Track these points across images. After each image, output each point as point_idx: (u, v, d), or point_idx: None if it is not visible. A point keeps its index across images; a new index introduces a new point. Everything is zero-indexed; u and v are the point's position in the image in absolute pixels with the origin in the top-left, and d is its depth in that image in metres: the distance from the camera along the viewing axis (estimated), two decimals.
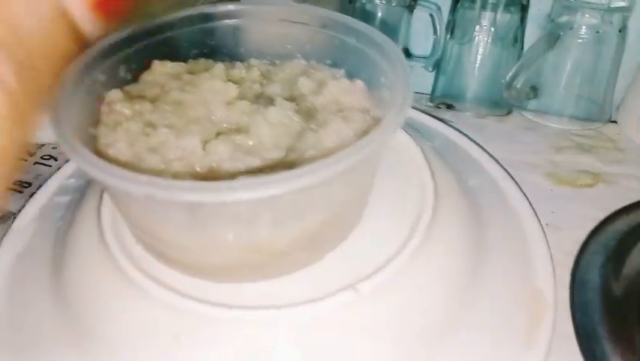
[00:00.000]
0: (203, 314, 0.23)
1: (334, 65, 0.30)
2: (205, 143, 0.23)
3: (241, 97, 0.26)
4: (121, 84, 0.27)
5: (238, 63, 0.30)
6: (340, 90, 0.27)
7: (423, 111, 0.46)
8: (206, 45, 0.30)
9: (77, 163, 0.19)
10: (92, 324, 0.25)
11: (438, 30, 0.48)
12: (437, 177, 0.31)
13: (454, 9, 0.47)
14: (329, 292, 0.24)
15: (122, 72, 0.27)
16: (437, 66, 0.50)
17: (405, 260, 0.25)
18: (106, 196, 0.29)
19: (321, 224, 0.23)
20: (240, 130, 0.24)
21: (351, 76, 0.29)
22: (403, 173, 0.32)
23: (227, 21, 0.30)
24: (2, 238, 0.33)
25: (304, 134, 0.24)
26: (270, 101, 0.26)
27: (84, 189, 0.33)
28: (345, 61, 0.29)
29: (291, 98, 0.27)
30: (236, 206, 0.20)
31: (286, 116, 0.24)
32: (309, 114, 0.26)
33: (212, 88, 0.26)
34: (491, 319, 0.28)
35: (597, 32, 0.44)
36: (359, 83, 0.28)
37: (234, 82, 0.27)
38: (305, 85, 0.27)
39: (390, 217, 0.28)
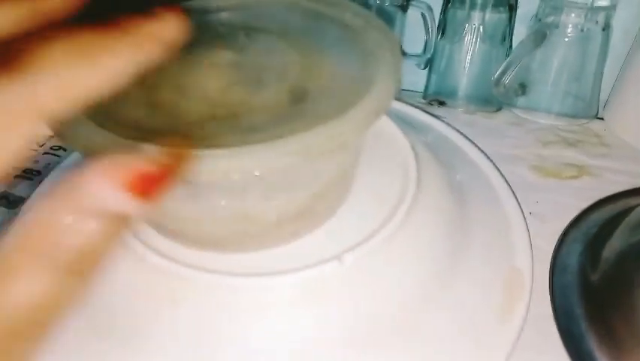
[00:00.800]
0: (196, 280, 0.25)
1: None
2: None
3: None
4: None
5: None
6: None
7: (416, 107, 0.48)
8: None
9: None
10: (97, 291, 0.27)
11: (429, 29, 0.50)
12: (422, 165, 0.33)
13: (445, 9, 0.49)
14: (316, 261, 0.26)
15: None
16: (429, 64, 0.52)
17: (385, 237, 0.28)
18: None
19: (308, 199, 0.25)
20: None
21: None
22: (390, 162, 0.34)
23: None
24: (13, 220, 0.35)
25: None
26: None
27: None
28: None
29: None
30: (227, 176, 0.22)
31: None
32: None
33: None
34: (470, 294, 0.29)
35: (582, 31, 0.46)
36: None
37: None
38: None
39: (374, 200, 0.30)
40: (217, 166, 0.20)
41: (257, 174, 0.21)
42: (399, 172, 0.33)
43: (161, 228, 0.28)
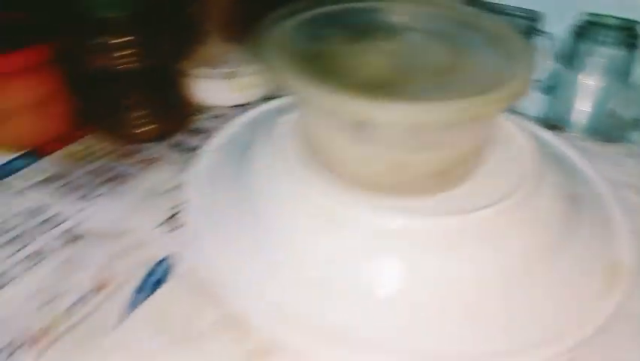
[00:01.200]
0: (345, 214, 0.32)
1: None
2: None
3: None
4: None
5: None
6: None
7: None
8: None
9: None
10: (266, 210, 0.36)
11: (553, 58, 0.55)
12: (543, 163, 0.38)
13: (571, 41, 0.54)
14: (448, 213, 0.32)
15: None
16: (550, 90, 0.56)
17: (509, 205, 0.33)
18: (279, 123, 0.40)
19: (451, 160, 0.31)
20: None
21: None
22: (517, 157, 0.39)
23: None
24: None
25: None
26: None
27: (259, 126, 0.44)
28: None
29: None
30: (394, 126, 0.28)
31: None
32: None
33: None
34: (570, 276, 0.33)
35: None
36: None
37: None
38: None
39: (500, 177, 0.36)
40: (396, 114, 0.27)
41: (420, 126, 0.27)
42: (523, 163, 0.38)
43: (327, 165, 0.35)
